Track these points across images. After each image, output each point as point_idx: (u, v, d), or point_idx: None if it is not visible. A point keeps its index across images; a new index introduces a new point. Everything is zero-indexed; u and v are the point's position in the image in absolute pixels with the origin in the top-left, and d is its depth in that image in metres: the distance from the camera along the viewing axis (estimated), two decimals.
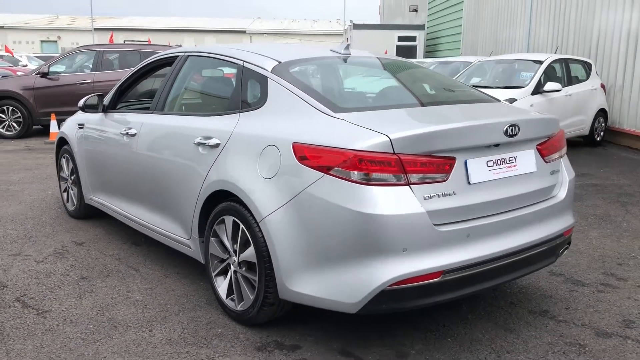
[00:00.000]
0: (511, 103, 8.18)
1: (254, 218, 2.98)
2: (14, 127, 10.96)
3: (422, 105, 3.25)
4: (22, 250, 4.50)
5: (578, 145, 10.03)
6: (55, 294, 3.68)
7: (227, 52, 3.68)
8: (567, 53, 11.93)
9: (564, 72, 9.50)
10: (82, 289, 3.75)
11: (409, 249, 2.61)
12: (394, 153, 2.61)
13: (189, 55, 4.01)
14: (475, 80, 9.74)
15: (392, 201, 2.59)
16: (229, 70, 3.64)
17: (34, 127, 11.33)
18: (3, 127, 10.96)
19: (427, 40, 23.90)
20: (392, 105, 3.16)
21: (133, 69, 4.63)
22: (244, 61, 3.48)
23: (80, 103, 4.67)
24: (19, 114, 10.89)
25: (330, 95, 3.16)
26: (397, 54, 22.11)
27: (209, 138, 3.38)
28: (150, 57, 4.48)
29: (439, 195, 2.70)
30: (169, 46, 12.74)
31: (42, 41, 61.46)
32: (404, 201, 2.61)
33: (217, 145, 3.31)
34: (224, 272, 3.36)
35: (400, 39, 22.77)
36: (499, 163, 2.94)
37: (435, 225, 2.66)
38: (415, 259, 2.63)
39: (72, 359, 2.89)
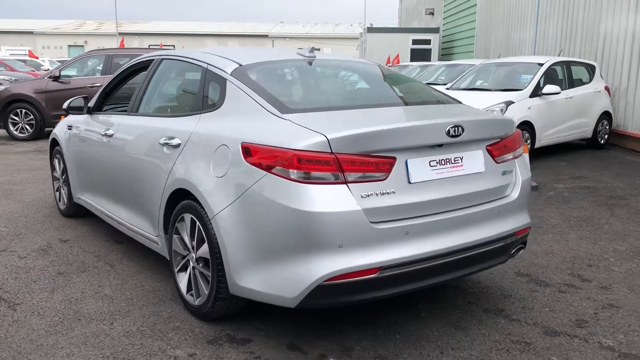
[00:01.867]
0: (508, 106, 8.20)
1: (207, 215, 3.09)
2: (26, 129, 11.28)
3: (372, 106, 3.32)
4: (8, 246, 4.68)
5: (581, 148, 9.96)
6: (30, 288, 3.83)
7: (194, 55, 3.81)
8: (573, 55, 11.84)
9: (566, 74, 9.44)
10: (56, 284, 3.90)
11: (345, 245, 2.69)
12: (331, 152, 2.69)
13: (163, 59, 4.15)
14: (476, 83, 9.74)
15: (329, 199, 2.68)
16: (196, 73, 3.75)
17: (46, 129, 11.63)
18: (16, 130, 11.28)
19: (442, 43, 23.87)
20: (342, 106, 3.25)
21: (117, 72, 4.79)
22: (208, 64, 3.60)
23: (65, 105, 4.84)
24: (32, 117, 11.20)
25: (283, 96, 3.25)
26: (412, 58, 22.14)
27: (172, 138, 3.50)
28: (132, 60, 4.63)
29: (377, 194, 2.78)
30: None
31: (69, 46, 62.92)
32: (341, 199, 2.69)
33: (178, 145, 3.44)
34: (184, 268, 3.47)
35: (415, 42, 22.78)
36: (442, 163, 3.00)
37: (372, 222, 2.74)
38: (352, 255, 2.70)
39: (32, 349, 3.02)
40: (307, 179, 2.69)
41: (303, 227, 2.68)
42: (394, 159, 2.84)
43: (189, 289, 3.42)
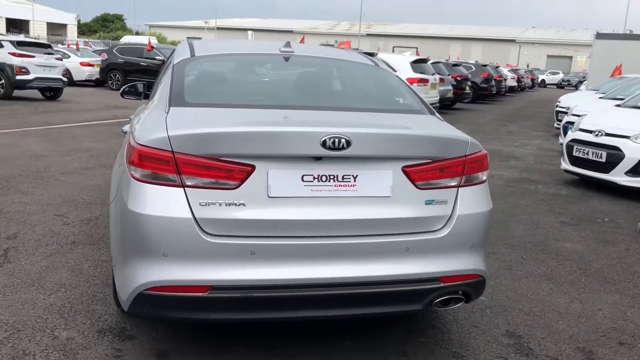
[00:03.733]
0: None
1: None
2: None
3: (280, 107, 2.93)
4: (67, 212, 5.21)
5: None
6: (35, 250, 4.21)
7: (180, 45, 3.78)
8: None
9: None
10: (59, 251, 4.22)
11: (170, 255, 2.44)
12: (171, 151, 2.45)
13: (175, 49, 4.21)
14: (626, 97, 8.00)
15: (158, 202, 2.45)
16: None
17: None
18: None
19: None
20: (250, 104, 2.96)
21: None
22: (175, 54, 3.56)
23: (121, 89, 5.19)
24: None
25: (194, 90, 3.05)
26: None
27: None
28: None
29: (220, 204, 2.45)
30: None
31: (320, 44, 67.78)
32: (170, 204, 2.44)
33: (125, 134, 3.47)
34: None
35: None
36: (323, 179, 2.52)
37: (207, 234, 2.43)
38: (177, 267, 2.44)
39: None
40: (146, 178, 2.49)
41: (132, 229, 2.50)
42: (252, 167, 2.47)
43: None
